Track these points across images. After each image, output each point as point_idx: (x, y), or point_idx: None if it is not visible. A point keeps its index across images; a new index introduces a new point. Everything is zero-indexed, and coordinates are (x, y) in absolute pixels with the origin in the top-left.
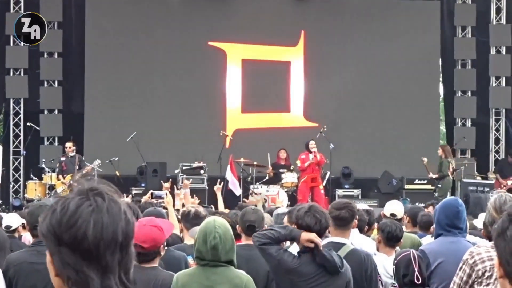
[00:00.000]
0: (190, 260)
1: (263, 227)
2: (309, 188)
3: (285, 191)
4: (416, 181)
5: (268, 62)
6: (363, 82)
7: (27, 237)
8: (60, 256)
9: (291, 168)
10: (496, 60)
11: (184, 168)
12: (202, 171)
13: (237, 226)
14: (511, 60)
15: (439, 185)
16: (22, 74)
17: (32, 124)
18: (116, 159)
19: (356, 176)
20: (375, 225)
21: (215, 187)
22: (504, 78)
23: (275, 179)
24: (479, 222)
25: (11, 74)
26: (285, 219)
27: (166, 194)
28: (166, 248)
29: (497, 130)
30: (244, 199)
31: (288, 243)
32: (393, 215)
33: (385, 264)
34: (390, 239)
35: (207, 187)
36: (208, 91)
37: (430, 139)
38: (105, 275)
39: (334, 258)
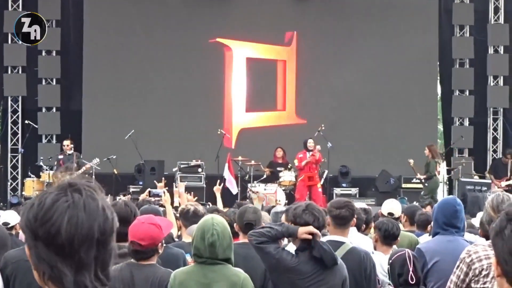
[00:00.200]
0: (188, 258)
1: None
2: (307, 186)
3: (283, 190)
4: (414, 180)
5: (266, 60)
6: (361, 81)
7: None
8: (36, 251)
9: (289, 166)
10: (494, 59)
11: (182, 166)
12: (200, 170)
13: (235, 224)
14: (509, 60)
15: (426, 185)
16: (20, 72)
17: (30, 122)
18: (114, 157)
19: (353, 175)
20: (373, 223)
21: (215, 188)
22: (502, 77)
23: (273, 178)
24: (476, 221)
25: (9, 72)
26: (283, 217)
27: (164, 192)
28: (164, 245)
29: (495, 129)
30: (242, 201)
31: (285, 241)
32: (390, 214)
33: (382, 262)
34: (387, 237)
35: (204, 186)
36: (206, 90)
37: (428, 138)
38: (79, 271)
39: (332, 252)
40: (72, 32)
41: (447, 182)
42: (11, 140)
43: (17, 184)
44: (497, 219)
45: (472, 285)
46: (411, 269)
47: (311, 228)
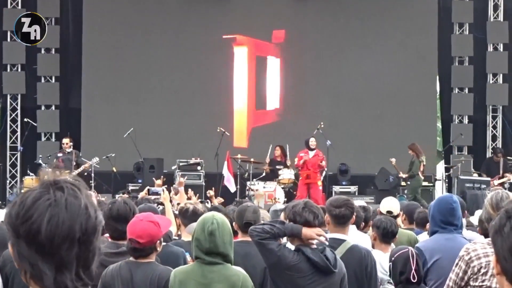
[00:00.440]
0: (188, 256)
1: None
2: (305, 184)
3: (282, 188)
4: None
5: (266, 59)
6: (361, 79)
7: None
8: (18, 249)
9: (288, 164)
10: (494, 57)
11: (181, 164)
12: (199, 168)
13: (234, 223)
14: (509, 57)
15: (408, 183)
16: (19, 70)
17: (29, 120)
18: (113, 155)
19: (353, 173)
20: (372, 222)
21: (208, 193)
22: (501, 75)
23: (272, 176)
24: (475, 219)
25: (8, 70)
26: (282, 215)
27: (163, 190)
28: (164, 243)
29: (494, 127)
30: (242, 199)
31: (284, 239)
32: (389, 212)
33: (381, 260)
34: (386, 235)
35: (204, 184)
36: (205, 87)
37: (427, 136)
38: (60, 270)
39: (326, 260)
40: (71, 30)
41: (446, 180)
42: (10, 138)
43: (16, 182)
44: (496, 217)
45: (471, 283)
46: (413, 268)
47: (315, 234)
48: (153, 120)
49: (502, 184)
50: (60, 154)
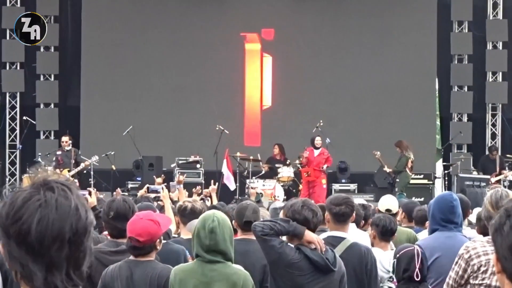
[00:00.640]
0: (189, 254)
1: None
2: (307, 182)
3: (281, 186)
4: (413, 176)
5: (265, 58)
6: (360, 76)
7: None
8: (8, 249)
9: (287, 162)
10: (493, 55)
11: (180, 162)
12: (198, 165)
13: (233, 221)
14: (508, 55)
15: (397, 180)
16: (18, 68)
17: (28, 118)
18: (112, 153)
19: (352, 171)
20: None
21: (211, 188)
22: (500, 73)
23: (271, 174)
24: (473, 217)
25: (7, 68)
26: (281, 213)
27: (163, 188)
28: (164, 241)
29: (494, 125)
30: (242, 198)
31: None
32: (388, 210)
33: (380, 258)
34: (385, 233)
35: (203, 181)
36: (204, 85)
37: (426, 134)
38: (50, 271)
39: (326, 260)
40: (70, 28)
41: (446, 178)
42: (9, 136)
43: (15, 180)
44: (496, 215)
45: (471, 281)
46: (418, 266)
47: (315, 240)
48: (152, 118)
49: (499, 182)
50: (59, 152)
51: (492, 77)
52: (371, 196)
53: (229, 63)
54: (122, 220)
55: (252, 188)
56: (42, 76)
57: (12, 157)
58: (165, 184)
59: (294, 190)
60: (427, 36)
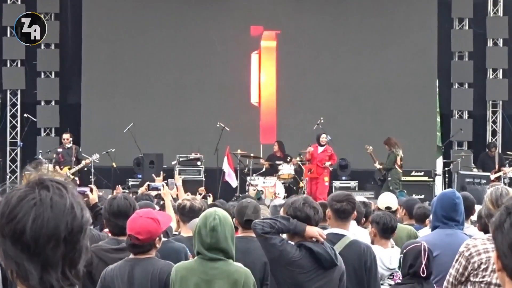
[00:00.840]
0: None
1: None
2: (310, 179)
3: (282, 183)
4: (413, 173)
5: (266, 56)
6: (360, 74)
7: None
8: (3, 248)
9: (288, 160)
10: (493, 52)
11: (180, 159)
12: (199, 163)
13: (234, 219)
14: (508, 52)
15: (389, 178)
16: (19, 65)
17: (29, 115)
18: (113, 150)
19: (353, 168)
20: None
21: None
22: (501, 70)
23: (272, 171)
24: (474, 215)
25: (8, 65)
26: (281, 211)
27: (163, 185)
28: (165, 239)
29: (494, 122)
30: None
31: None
32: (388, 207)
33: (381, 256)
34: (386, 230)
35: (203, 179)
36: (205, 83)
37: (427, 131)
38: (45, 270)
39: (330, 253)
40: (70, 25)
41: (446, 175)
42: (10, 133)
43: (16, 177)
44: (496, 213)
45: (471, 278)
46: (424, 263)
47: (317, 234)
48: (152, 115)
49: (498, 178)
50: (60, 150)
51: (492, 74)
52: (371, 193)
53: (230, 61)
54: (123, 217)
55: (251, 185)
56: (42, 74)
57: (13, 154)
58: (165, 181)
59: (294, 188)
60: (427, 34)
